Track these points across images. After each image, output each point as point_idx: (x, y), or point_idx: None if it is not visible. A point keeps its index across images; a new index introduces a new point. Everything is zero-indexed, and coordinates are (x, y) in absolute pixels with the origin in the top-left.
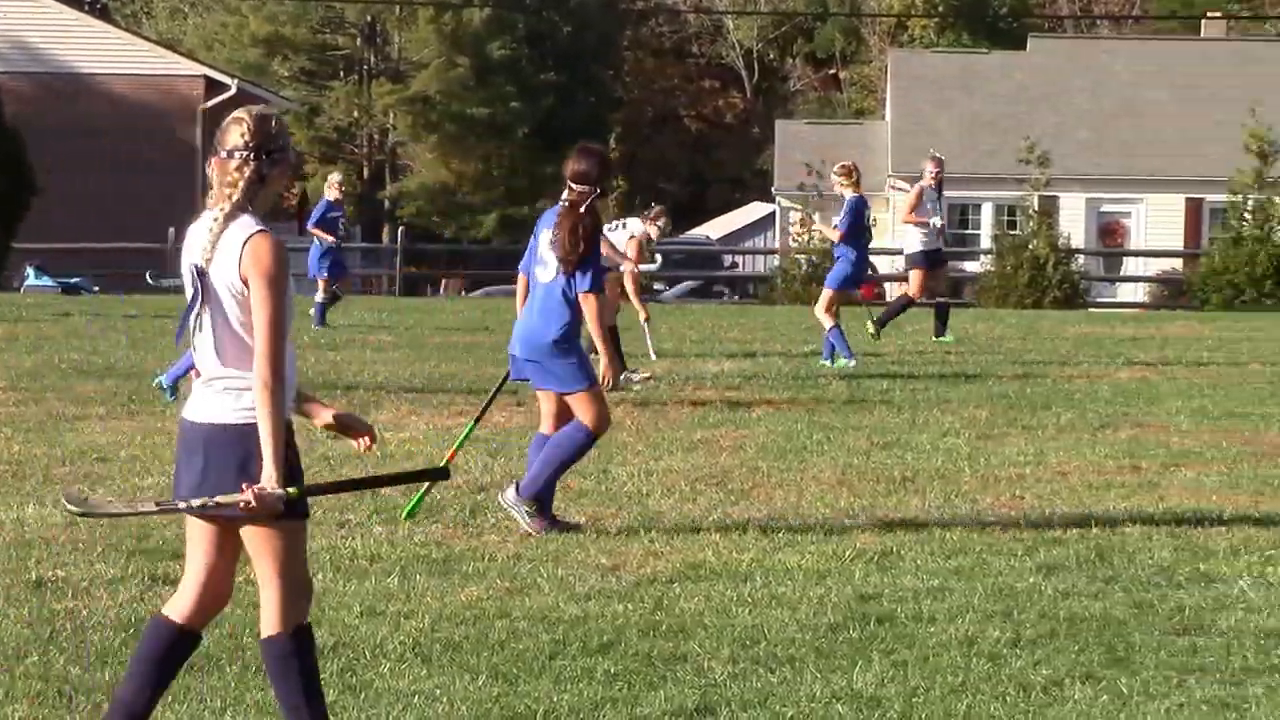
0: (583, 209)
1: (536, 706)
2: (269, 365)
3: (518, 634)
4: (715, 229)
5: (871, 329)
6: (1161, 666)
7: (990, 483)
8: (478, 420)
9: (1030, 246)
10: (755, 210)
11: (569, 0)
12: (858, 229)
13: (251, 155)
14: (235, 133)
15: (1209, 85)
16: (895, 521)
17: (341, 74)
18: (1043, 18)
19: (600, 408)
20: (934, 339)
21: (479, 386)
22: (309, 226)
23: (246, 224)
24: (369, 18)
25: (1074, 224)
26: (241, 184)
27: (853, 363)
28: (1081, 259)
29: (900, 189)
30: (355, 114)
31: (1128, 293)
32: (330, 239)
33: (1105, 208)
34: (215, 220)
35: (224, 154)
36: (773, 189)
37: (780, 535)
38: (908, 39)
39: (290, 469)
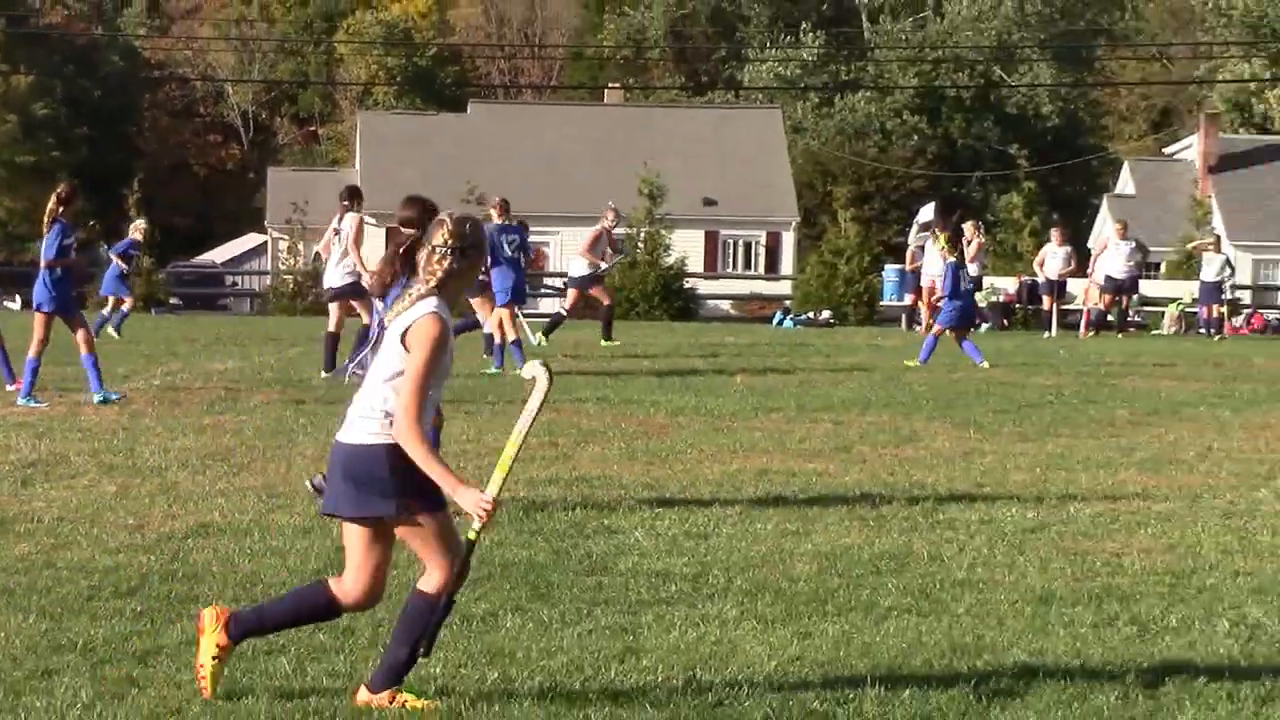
0: (403, 249)
1: (77, 639)
2: (407, 413)
3: (61, 581)
4: (220, 255)
5: (541, 338)
6: (574, 600)
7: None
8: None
9: None
10: (251, 240)
11: (99, 69)
12: (495, 251)
13: (448, 252)
14: (439, 233)
15: (613, 142)
16: None
17: None
18: (480, 86)
19: None
20: (603, 342)
21: None
22: (113, 254)
23: (429, 304)
24: None
25: None
26: (439, 274)
27: (497, 369)
28: None
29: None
30: None
31: (548, 306)
32: (125, 267)
33: (531, 239)
34: (410, 294)
35: (430, 247)
36: (265, 222)
37: (274, 499)
38: (373, 103)
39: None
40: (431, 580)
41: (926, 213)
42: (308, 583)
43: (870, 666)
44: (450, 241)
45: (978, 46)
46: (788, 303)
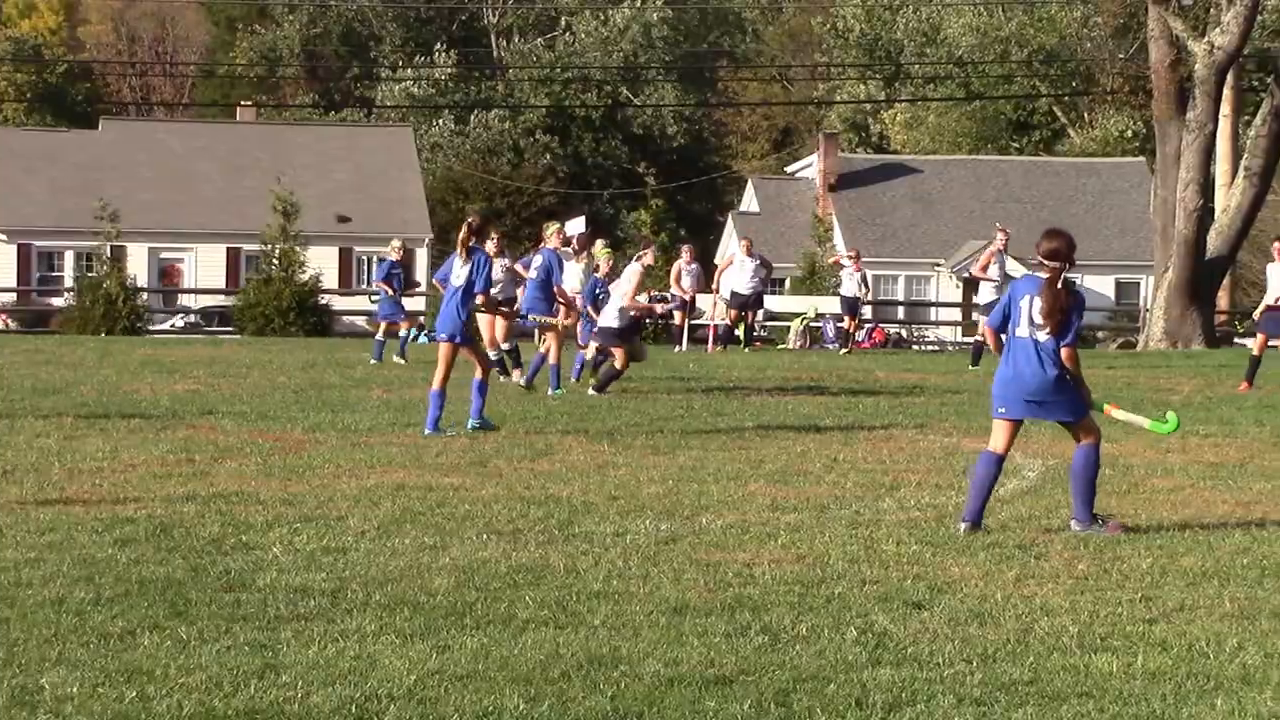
0: (1060, 283)
1: None
2: None
3: None
4: None
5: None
6: (213, 617)
7: (75, 474)
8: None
9: (105, 285)
10: None
11: None
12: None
13: None
14: None
15: (245, 159)
16: None
17: None
18: (111, 103)
19: (1095, 424)
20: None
21: None
22: (377, 281)
23: None
24: None
25: (139, 267)
26: None
27: None
28: (145, 295)
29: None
30: None
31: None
32: (390, 290)
33: (164, 255)
34: None
35: None
36: None
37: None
38: (3, 119)
39: None
40: None
41: (574, 226)
42: None
43: (509, 679)
44: None
45: (605, 67)
46: (421, 319)
